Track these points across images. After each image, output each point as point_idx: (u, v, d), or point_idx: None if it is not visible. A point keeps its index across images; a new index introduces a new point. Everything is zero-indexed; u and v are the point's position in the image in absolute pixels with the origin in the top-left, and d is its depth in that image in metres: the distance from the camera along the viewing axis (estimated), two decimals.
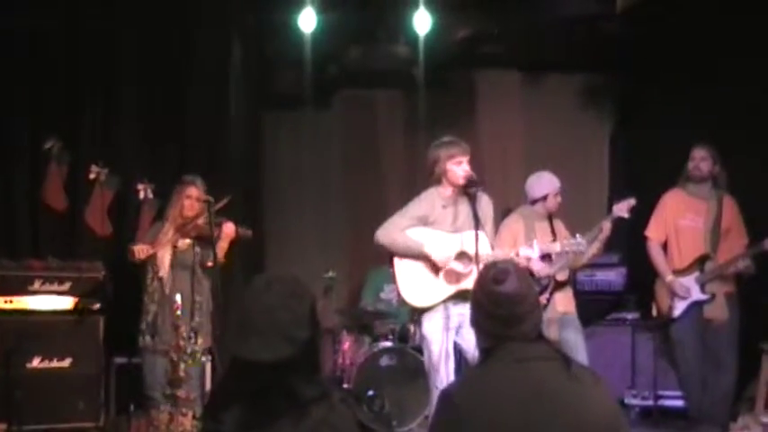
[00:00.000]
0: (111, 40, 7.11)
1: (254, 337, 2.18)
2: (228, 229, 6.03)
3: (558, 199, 6.15)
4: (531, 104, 8.57)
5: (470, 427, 2.32)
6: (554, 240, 6.00)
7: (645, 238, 6.17)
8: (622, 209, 5.89)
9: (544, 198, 6.12)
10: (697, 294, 5.93)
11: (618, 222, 5.97)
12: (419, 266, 5.27)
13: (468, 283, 5.05)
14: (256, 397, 2.20)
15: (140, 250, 5.88)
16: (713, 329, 5.91)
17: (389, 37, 7.88)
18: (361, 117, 8.57)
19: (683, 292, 5.93)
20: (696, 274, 5.96)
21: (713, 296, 5.90)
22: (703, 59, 7.15)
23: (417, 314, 5.38)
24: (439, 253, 5.19)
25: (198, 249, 5.98)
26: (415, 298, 5.29)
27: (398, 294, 5.45)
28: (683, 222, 6.05)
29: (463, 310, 5.09)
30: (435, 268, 5.23)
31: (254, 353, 2.17)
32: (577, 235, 5.73)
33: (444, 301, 5.22)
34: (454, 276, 5.21)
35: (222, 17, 7.43)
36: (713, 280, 5.93)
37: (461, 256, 5.22)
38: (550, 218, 6.16)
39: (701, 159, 5.98)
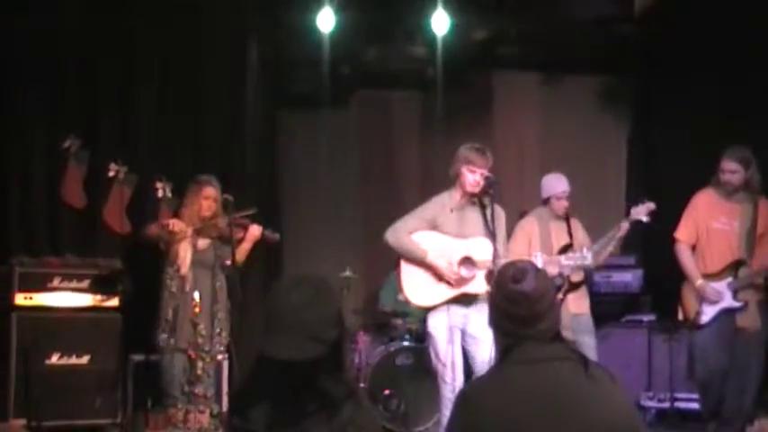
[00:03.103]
0: (129, 40, 7.15)
1: (281, 337, 2.18)
2: (254, 230, 6.04)
3: (563, 203, 6.10)
4: (549, 106, 8.56)
5: (487, 427, 2.33)
6: (570, 242, 6.01)
7: (673, 240, 5.92)
8: (640, 212, 5.82)
9: (547, 200, 6.12)
10: (729, 301, 5.68)
11: (635, 225, 5.91)
12: (423, 268, 5.34)
13: (471, 288, 5.21)
14: (285, 395, 2.21)
15: (174, 223, 5.92)
16: (744, 339, 5.68)
17: (407, 37, 7.90)
18: (378, 117, 8.59)
19: (715, 296, 5.68)
20: (729, 279, 5.70)
21: (746, 304, 5.67)
22: (721, 60, 7.13)
23: (424, 311, 5.46)
24: (443, 263, 5.25)
25: (218, 249, 6.01)
26: (417, 297, 5.38)
27: (403, 292, 5.53)
28: (715, 225, 5.78)
29: (466, 311, 5.24)
30: (438, 272, 5.29)
31: (282, 352, 2.17)
32: (584, 248, 5.77)
33: (447, 303, 5.29)
34: (457, 280, 5.26)
35: (239, 16, 7.46)
36: (747, 287, 5.69)
37: (465, 261, 5.26)
38: (568, 217, 6.15)
39: (730, 173, 5.70)
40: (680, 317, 5.96)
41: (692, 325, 5.82)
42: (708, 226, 5.82)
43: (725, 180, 5.73)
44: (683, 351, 6.48)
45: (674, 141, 7.67)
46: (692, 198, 5.93)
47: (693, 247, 5.90)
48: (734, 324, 5.70)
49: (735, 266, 5.72)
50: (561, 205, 6.12)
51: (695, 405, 6.36)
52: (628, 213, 6.01)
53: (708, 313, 5.73)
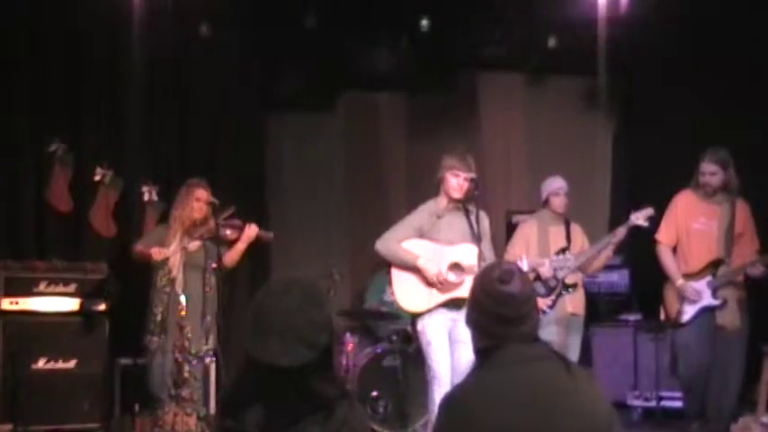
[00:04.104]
0: (114, 42, 7.13)
1: (273, 341, 2.19)
2: (251, 231, 6.08)
3: (562, 199, 6.17)
4: (535, 107, 8.59)
5: (475, 428, 2.34)
6: (567, 245, 6.06)
7: (654, 242, 6.02)
8: (639, 217, 5.86)
9: (547, 201, 6.17)
10: (708, 299, 5.79)
11: (633, 230, 5.95)
12: (414, 275, 5.44)
13: (460, 293, 5.30)
14: (278, 397, 2.21)
15: (158, 252, 5.92)
16: (724, 337, 5.78)
17: (393, 39, 7.90)
18: (365, 119, 8.59)
19: (695, 295, 5.78)
20: (708, 278, 5.81)
21: (725, 302, 5.78)
22: (708, 60, 7.17)
23: (414, 315, 5.55)
24: (432, 267, 5.35)
25: (209, 250, 6.02)
26: (408, 303, 5.48)
27: (394, 298, 5.63)
28: (695, 226, 5.90)
29: (455, 316, 5.32)
30: (427, 277, 5.39)
31: (273, 357, 2.18)
32: (567, 252, 5.92)
33: (437, 307, 5.39)
34: (447, 286, 5.37)
35: (226, 18, 7.45)
36: (726, 285, 5.80)
37: (454, 267, 5.38)
38: (567, 222, 6.20)
39: (710, 174, 5.81)
40: (662, 316, 6.07)
41: (674, 324, 5.92)
42: (688, 227, 5.92)
43: (705, 182, 5.84)
44: (673, 355, 6.53)
45: (659, 141, 7.70)
46: (671, 200, 6.02)
47: (675, 248, 5.99)
48: (714, 322, 5.79)
49: (714, 266, 5.83)
50: (560, 202, 6.18)
51: (681, 403, 6.41)
52: (614, 218, 6.06)
53: (689, 312, 5.83)
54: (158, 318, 5.92)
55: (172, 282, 5.95)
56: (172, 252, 5.94)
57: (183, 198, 6.10)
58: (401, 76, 8.13)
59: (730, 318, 5.80)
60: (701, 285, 5.81)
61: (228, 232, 6.07)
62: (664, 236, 5.99)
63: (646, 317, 7.23)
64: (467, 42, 7.92)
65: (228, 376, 5.73)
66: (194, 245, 6.02)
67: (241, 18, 7.49)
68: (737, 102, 6.97)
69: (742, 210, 5.89)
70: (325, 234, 8.35)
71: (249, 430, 2.21)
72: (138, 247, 6.09)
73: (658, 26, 7.22)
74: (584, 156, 8.57)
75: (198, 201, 6.05)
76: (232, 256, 6.15)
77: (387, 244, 5.48)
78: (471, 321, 2.54)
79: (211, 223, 5.95)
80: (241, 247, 6.09)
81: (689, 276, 5.87)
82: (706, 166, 5.82)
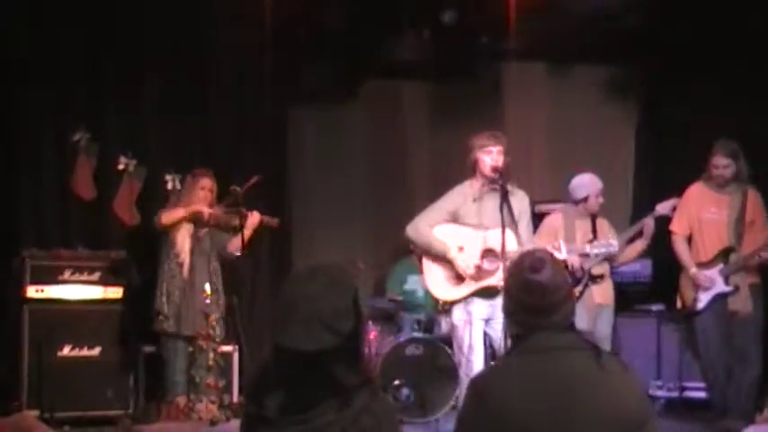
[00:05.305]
0: (138, 34, 7.15)
1: (296, 326, 2.19)
2: (254, 218, 6.13)
3: (600, 200, 6.21)
4: (557, 96, 8.54)
5: (499, 415, 2.34)
6: (593, 239, 6.05)
7: (670, 233, 6.20)
8: (666, 207, 6.09)
9: (585, 199, 6.16)
10: (721, 286, 5.98)
11: (659, 220, 6.08)
12: (444, 265, 5.31)
13: (494, 281, 5.15)
14: (298, 383, 2.22)
15: (210, 213, 6.17)
16: (738, 322, 5.96)
17: (416, 28, 7.88)
18: (387, 108, 8.58)
19: (707, 282, 5.98)
20: (720, 266, 6.00)
21: (737, 288, 5.95)
22: (731, 49, 7.12)
23: (448, 304, 5.41)
24: (462, 261, 5.20)
25: (215, 237, 6.12)
26: (440, 291, 5.36)
27: (425, 286, 5.54)
28: (706, 215, 6.09)
29: (491, 302, 5.19)
30: (458, 269, 5.25)
31: (295, 342, 2.19)
32: (610, 238, 5.95)
33: (470, 296, 5.25)
34: (480, 274, 5.22)
35: (248, 8, 7.45)
36: (737, 272, 5.98)
37: (488, 253, 5.23)
38: (593, 216, 6.20)
39: (724, 167, 5.99)
40: (679, 305, 6.26)
41: (690, 312, 6.12)
42: (699, 217, 6.13)
43: (717, 174, 6.02)
44: (692, 341, 6.55)
45: (682, 131, 7.65)
46: (684, 192, 6.18)
47: (690, 238, 6.18)
48: (727, 308, 5.97)
49: (725, 254, 6.03)
50: (598, 203, 6.23)
51: (704, 394, 6.43)
52: (637, 208, 6.09)
53: (703, 300, 6.04)
54: (167, 303, 6.03)
55: (180, 266, 6.06)
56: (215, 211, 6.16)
57: (189, 187, 6.25)
58: (424, 65, 8.12)
59: (742, 303, 5.97)
60: (714, 273, 6.02)
61: (232, 218, 6.19)
62: (677, 226, 6.20)
63: (669, 307, 7.19)
64: (489, 31, 7.89)
65: (251, 364, 5.77)
66: (201, 231, 6.19)
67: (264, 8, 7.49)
68: (761, 91, 6.92)
69: (753, 198, 6.06)
70: (347, 223, 8.35)
71: (268, 415, 2.22)
72: (180, 211, 6.18)
73: (683, 15, 7.18)
74: (606, 145, 8.52)
75: (203, 189, 6.19)
76: (236, 243, 6.21)
77: (417, 229, 5.32)
78: (505, 309, 2.55)
79: (216, 211, 6.08)
80: (246, 233, 6.15)
81: (702, 265, 6.07)
82: (719, 160, 6.00)
